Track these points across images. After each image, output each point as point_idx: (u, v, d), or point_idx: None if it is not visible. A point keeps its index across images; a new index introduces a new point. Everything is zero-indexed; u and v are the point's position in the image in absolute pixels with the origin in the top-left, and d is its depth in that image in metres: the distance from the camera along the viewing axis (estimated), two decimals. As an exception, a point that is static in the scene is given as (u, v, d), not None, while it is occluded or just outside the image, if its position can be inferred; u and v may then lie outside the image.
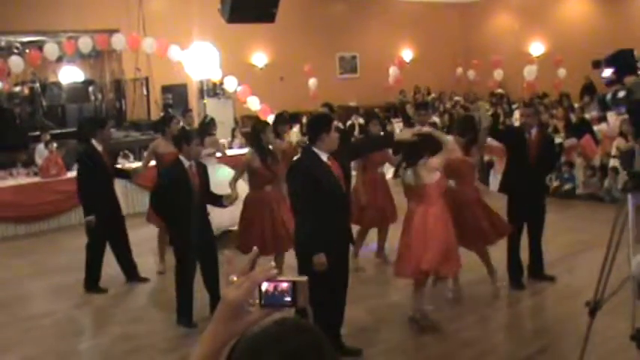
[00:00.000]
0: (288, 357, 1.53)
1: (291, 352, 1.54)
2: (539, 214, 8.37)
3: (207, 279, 7.64)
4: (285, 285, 1.76)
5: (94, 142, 8.89)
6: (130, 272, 9.29)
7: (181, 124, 10.94)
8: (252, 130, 8.67)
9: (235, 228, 9.80)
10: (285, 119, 10.27)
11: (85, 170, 8.95)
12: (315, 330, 1.61)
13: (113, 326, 7.95)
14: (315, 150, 6.20)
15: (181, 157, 7.48)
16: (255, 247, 1.95)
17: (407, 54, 25.64)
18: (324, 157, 6.20)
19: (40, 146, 15.25)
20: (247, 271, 1.79)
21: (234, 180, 8.23)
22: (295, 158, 7.42)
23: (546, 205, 8.52)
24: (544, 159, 8.34)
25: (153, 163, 9.89)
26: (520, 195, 8.08)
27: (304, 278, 1.78)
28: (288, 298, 1.75)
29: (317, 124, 6.40)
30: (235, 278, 1.79)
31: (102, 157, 8.89)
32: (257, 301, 1.75)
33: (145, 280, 9.33)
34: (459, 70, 25.38)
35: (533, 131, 8.26)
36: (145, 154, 9.85)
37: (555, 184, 13.48)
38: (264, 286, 1.76)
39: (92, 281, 9.06)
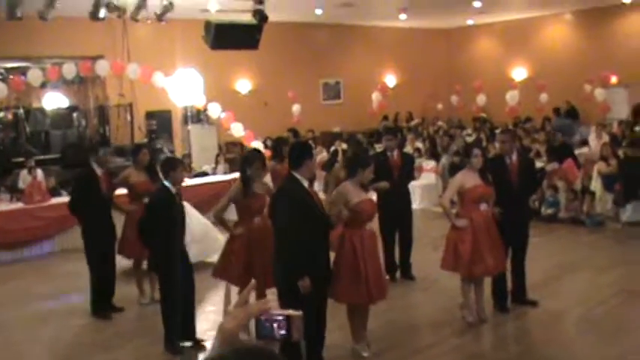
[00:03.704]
0: None
1: None
2: (524, 239, 8.43)
3: (185, 304, 7.65)
4: (280, 318, 1.80)
5: (93, 165, 8.96)
6: (103, 301, 9.19)
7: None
8: (242, 160, 8.57)
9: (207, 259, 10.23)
10: (287, 142, 10.17)
11: (79, 193, 9.04)
12: (272, 354, 1.64)
13: (99, 352, 7.91)
14: (297, 176, 6.27)
15: (167, 184, 7.50)
16: (253, 280, 1.99)
17: (390, 80, 25.78)
18: (305, 183, 6.30)
19: (24, 172, 15.23)
20: (244, 303, 1.83)
21: (221, 212, 8.03)
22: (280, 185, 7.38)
23: (530, 229, 8.57)
24: (526, 183, 8.43)
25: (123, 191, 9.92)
26: (505, 220, 8.09)
27: (299, 313, 1.82)
28: (283, 332, 1.79)
29: (301, 151, 6.47)
30: (232, 309, 1.83)
31: (98, 181, 8.92)
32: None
33: (120, 309, 9.23)
34: (440, 105, 25.58)
35: (513, 156, 8.35)
36: (115, 180, 9.81)
37: (549, 210, 13.53)
38: (260, 318, 1.80)
39: (102, 303, 9.03)
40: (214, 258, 9.82)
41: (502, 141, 8.68)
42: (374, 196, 8.41)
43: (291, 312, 1.81)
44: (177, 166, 7.72)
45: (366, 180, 7.00)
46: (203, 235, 10.81)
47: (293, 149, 6.81)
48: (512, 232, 8.12)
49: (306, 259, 6.11)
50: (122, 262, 9.85)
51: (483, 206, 7.83)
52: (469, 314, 7.99)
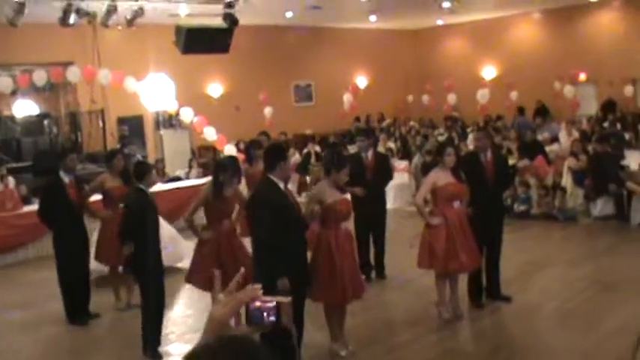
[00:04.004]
0: None
1: None
2: (498, 235, 8.53)
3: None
4: (269, 305, 1.85)
5: (61, 173, 8.92)
6: (78, 307, 9.14)
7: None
8: (216, 165, 8.54)
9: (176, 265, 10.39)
10: (261, 144, 10.18)
11: (46, 202, 9.02)
12: (254, 343, 1.67)
13: (76, 359, 7.91)
14: (273, 179, 6.32)
15: (142, 186, 7.55)
16: (242, 269, 2.03)
17: (361, 81, 25.86)
18: (281, 185, 6.35)
19: (-4, 180, 15.11)
20: (234, 291, 1.87)
21: (192, 214, 7.94)
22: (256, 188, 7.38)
23: (503, 226, 8.68)
24: (501, 179, 8.55)
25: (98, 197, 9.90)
26: (480, 217, 8.16)
27: (288, 299, 1.87)
28: (273, 318, 1.84)
29: (275, 153, 6.52)
30: (222, 297, 1.87)
31: (65, 188, 8.87)
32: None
33: (96, 316, 9.18)
34: (410, 97, 25.74)
35: (488, 154, 8.46)
36: (89, 186, 9.77)
37: (522, 207, 13.68)
38: (250, 305, 1.85)
39: (78, 310, 9.01)
40: (183, 263, 9.96)
41: (477, 139, 8.84)
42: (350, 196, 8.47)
43: (280, 298, 1.86)
44: (151, 169, 7.93)
45: (342, 181, 7.04)
46: (172, 241, 10.82)
47: (267, 152, 6.86)
48: (486, 228, 8.21)
49: (284, 259, 6.15)
50: (98, 268, 9.83)
51: (457, 204, 7.92)
52: (445, 310, 8.08)
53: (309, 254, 6.88)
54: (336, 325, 7.23)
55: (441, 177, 7.89)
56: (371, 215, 9.87)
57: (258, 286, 1.89)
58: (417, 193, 8.65)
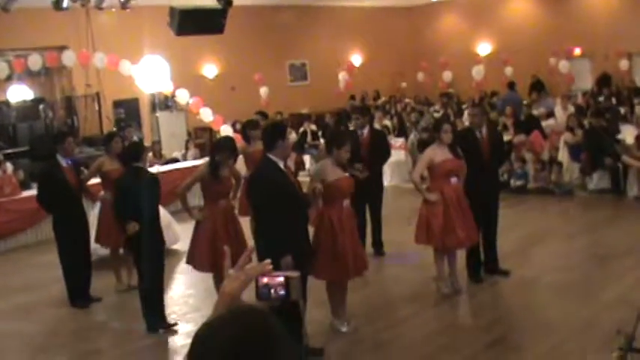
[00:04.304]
0: (237, 339, 1.60)
1: (241, 334, 1.61)
2: (495, 210, 8.60)
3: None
4: (279, 279, 1.90)
5: (58, 157, 8.94)
6: (81, 291, 9.17)
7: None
8: (213, 145, 8.58)
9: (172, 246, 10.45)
10: (256, 124, 10.22)
11: (45, 187, 9.04)
12: (265, 314, 1.70)
13: (78, 342, 7.95)
14: (273, 158, 6.35)
15: (139, 165, 7.64)
16: (250, 245, 2.09)
17: (356, 59, 25.83)
18: (281, 164, 6.38)
19: (-7, 166, 15.10)
20: (243, 266, 1.92)
21: (185, 189, 7.99)
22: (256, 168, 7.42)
23: (500, 201, 8.74)
24: (496, 155, 8.60)
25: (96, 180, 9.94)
26: (477, 192, 8.22)
27: (297, 274, 1.93)
28: (282, 292, 1.90)
29: (273, 132, 6.54)
30: (232, 272, 1.92)
31: (64, 173, 8.90)
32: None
33: (97, 299, 9.21)
34: (404, 84, 25.75)
35: (484, 130, 8.50)
36: (88, 171, 9.81)
37: (519, 182, 13.74)
38: (260, 280, 1.89)
39: (79, 293, 9.06)
40: (179, 245, 10.02)
41: (472, 115, 8.87)
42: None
43: (289, 273, 1.91)
44: (145, 148, 8.21)
45: (343, 159, 7.07)
46: (167, 223, 10.89)
47: (266, 131, 6.89)
48: (483, 203, 8.27)
49: (286, 237, 6.19)
50: (100, 251, 9.88)
51: (454, 180, 7.96)
52: (444, 285, 8.15)
53: (311, 232, 6.92)
54: (338, 301, 7.30)
55: (438, 153, 7.93)
56: (368, 192, 9.88)
57: (268, 261, 1.94)
58: (414, 169, 8.69)
